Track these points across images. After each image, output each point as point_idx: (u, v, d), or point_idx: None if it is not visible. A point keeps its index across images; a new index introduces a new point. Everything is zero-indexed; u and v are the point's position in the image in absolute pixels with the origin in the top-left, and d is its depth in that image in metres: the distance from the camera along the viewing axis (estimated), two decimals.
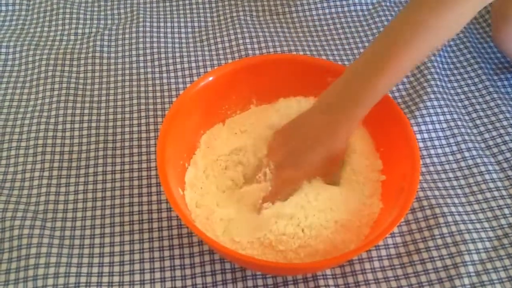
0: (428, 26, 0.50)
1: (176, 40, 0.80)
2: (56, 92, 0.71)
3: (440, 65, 0.75)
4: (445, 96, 0.71)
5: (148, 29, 0.80)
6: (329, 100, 0.56)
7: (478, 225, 0.58)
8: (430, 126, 0.67)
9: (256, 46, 0.77)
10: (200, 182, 0.59)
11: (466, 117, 0.70)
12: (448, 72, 0.75)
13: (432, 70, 0.73)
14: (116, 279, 0.54)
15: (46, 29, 0.81)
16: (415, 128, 0.66)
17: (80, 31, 0.81)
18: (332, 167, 0.58)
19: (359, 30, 0.81)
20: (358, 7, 0.84)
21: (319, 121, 0.56)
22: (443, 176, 0.63)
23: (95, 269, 0.55)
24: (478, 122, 0.69)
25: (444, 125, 0.68)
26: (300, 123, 0.58)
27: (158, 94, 0.72)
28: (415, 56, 0.52)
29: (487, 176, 0.63)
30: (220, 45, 0.79)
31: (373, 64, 0.52)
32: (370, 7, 0.85)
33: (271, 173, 0.57)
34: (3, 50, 0.77)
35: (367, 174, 0.59)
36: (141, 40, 0.79)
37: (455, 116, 0.69)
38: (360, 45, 0.79)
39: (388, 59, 0.51)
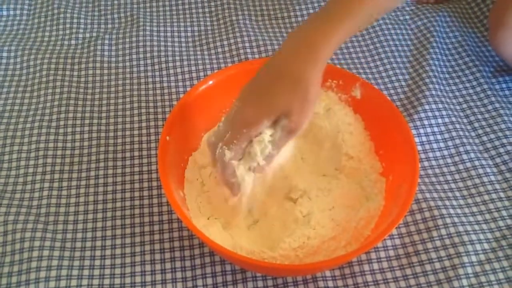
0: None
1: (176, 44, 0.80)
2: (57, 96, 0.72)
3: (439, 68, 0.76)
4: (443, 99, 0.71)
5: (148, 33, 0.81)
6: (295, 41, 0.52)
7: (476, 227, 0.59)
8: (429, 129, 0.68)
9: (255, 50, 0.78)
10: (198, 182, 0.60)
11: (464, 120, 0.70)
12: (447, 75, 0.76)
13: (430, 73, 0.74)
14: (117, 281, 0.55)
15: (47, 33, 0.82)
16: (414, 132, 0.67)
17: (80, 35, 0.81)
18: (299, 105, 0.50)
19: (356, 34, 0.82)
20: None
21: (286, 57, 0.51)
22: (441, 178, 0.64)
23: (96, 271, 0.55)
24: (476, 125, 0.69)
25: (443, 128, 0.68)
26: (268, 63, 0.53)
27: (159, 97, 0.72)
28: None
29: (485, 179, 0.63)
30: (220, 49, 0.79)
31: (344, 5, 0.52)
32: None
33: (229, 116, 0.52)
34: (5, 54, 0.77)
35: (366, 176, 0.60)
36: (141, 44, 0.79)
37: (453, 119, 0.69)
38: (358, 49, 0.80)
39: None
